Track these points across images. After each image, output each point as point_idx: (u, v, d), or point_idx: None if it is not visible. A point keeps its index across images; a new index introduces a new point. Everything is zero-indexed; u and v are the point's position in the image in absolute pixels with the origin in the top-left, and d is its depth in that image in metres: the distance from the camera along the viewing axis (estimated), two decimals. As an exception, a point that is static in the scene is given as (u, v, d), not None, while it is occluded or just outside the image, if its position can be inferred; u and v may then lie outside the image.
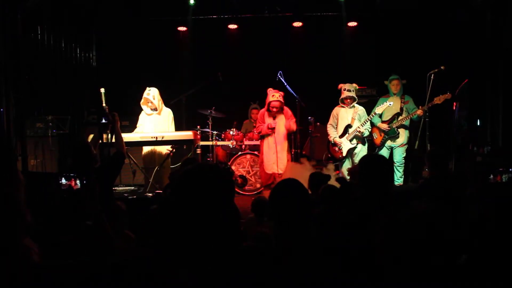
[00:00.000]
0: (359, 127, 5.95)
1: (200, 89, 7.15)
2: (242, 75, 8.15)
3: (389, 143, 6.18)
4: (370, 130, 6.08)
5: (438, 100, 5.77)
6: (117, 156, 3.55)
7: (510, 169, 4.67)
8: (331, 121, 6.22)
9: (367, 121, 5.96)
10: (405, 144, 6.17)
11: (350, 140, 6.03)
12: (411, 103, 6.15)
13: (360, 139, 6.04)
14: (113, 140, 3.84)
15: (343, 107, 6.12)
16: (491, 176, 5.08)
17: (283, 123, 6.11)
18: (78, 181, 1.76)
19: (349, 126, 6.03)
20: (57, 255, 1.67)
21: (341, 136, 6.08)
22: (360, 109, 6.09)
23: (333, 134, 6.14)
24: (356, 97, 6.09)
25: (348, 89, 6.03)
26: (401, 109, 6.10)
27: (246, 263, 1.89)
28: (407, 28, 7.61)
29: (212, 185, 1.34)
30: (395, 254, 1.36)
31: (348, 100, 6.04)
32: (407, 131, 6.19)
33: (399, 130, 6.10)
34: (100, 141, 3.76)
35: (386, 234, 1.40)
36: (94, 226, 1.61)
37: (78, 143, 3.54)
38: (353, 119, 6.03)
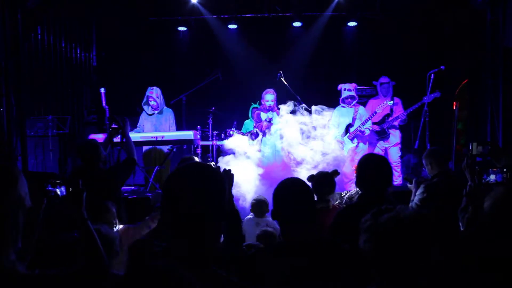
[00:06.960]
0: (360, 127, 5.97)
1: (200, 88, 7.14)
2: (242, 75, 8.14)
3: (382, 144, 6.23)
4: (370, 128, 6.10)
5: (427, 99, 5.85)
6: (128, 162, 3.57)
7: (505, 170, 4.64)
8: (332, 121, 6.26)
9: (368, 120, 5.99)
10: (399, 143, 6.25)
11: (351, 140, 6.05)
12: (400, 105, 6.25)
13: (362, 138, 6.06)
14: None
15: (344, 106, 6.17)
16: (491, 176, 5.06)
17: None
18: (63, 187, 1.69)
19: (350, 125, 6.06)
20: (51, 262, 1.64)
21: (343, 135, 6.11)
22: (361, 108, 6.15)
23: (335, 133, 6.17)
24: (357, 96, 6.14)
25: (348, 89, 6.07)
26: (391, 110, 6.17)
27: (247, 263, 1.89)
28: (406, 28, 7.60)
29: (200, 184, 1.32)
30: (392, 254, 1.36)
31: (349, 100, 6.08)
32: (398, 131, 6.31)
33: (390, 130, 6.20)
34: (110, 145, 3.78)
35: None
36: (81, 233, 1.60)
37: (85, 141, 3.53)
38: (354, 118, 6.06)
